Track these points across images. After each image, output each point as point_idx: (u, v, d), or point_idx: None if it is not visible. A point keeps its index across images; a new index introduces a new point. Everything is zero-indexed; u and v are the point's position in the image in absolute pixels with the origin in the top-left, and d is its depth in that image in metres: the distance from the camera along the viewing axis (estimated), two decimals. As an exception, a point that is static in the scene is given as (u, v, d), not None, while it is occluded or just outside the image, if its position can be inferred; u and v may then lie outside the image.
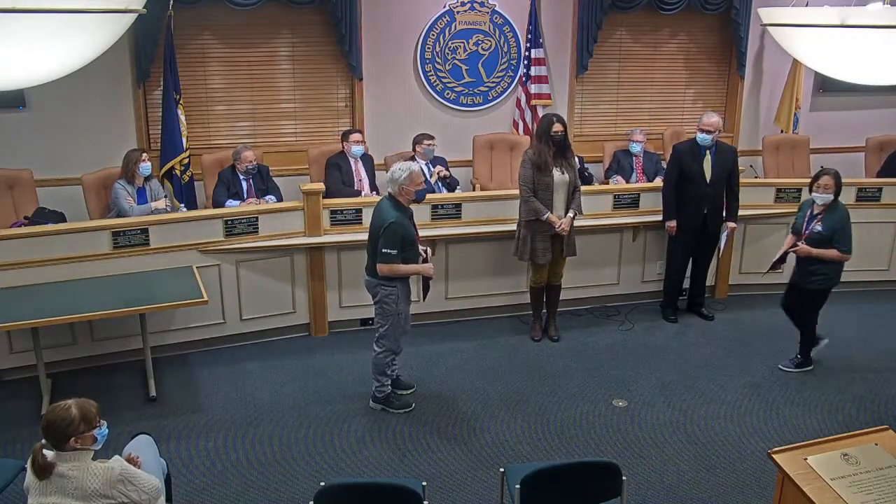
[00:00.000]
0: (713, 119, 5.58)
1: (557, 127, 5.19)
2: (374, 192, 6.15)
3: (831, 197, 4.79)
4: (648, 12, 7.27)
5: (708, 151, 5.61)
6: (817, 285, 4.91)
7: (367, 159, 6.25)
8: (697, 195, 5.66)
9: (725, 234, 5.83)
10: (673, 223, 5.76)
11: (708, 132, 5.54)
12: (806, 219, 4.93)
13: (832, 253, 4.79)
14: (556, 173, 5.23)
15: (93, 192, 5.64)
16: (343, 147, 6.14)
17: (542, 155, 5.19)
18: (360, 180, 6.14)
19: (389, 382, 4.71)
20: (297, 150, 6.71)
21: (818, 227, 4.83)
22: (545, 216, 5.20)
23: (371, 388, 4.71)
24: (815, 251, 4.80)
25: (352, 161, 6.13)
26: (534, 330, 5.65)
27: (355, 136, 6.13)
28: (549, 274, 5.50)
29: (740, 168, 5.88)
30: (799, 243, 4.92)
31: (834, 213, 4.81)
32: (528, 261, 5.43)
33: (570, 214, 5.28)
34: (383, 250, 4.29)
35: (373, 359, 4.64)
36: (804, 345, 5.19)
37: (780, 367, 5.21)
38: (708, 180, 5.62)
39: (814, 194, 4.86)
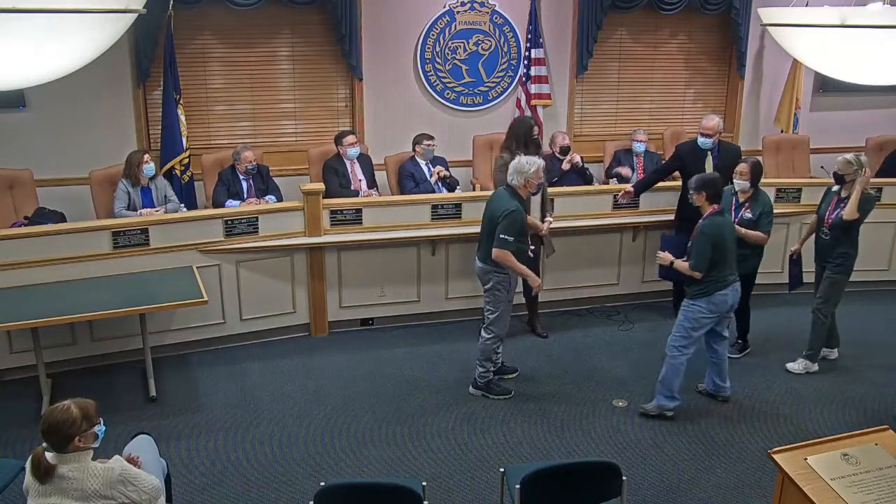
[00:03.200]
0: (712, 122, 5.53)
1: (537, 129, 5.21)
2: (375, 191, 6.14)
3: (748, 184, 4.99)
4: (648, 12, 7.27)
5: (710, 152, 5.59)
6: (743, 269, 5.13)
7: (364, 159, 6.22)
8: None
9: None
10: (628, 188, 5.75)
11: (707, 136, 5.51)
12: (733, 207, 5.11)
13: (758, 235, 5.03)
14: None
15: (99, 189, 5.66)
16: (338, 150, 6.10)
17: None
18: (360, 180, 6.14)
19: (493, 369, 4.86)
20: (297, 150, 6.71)
21: (748, 214, 5.04)
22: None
23: (473, 375, 4.86)
24: (744, 231, 4.99)
25: (347, 163, 6.09)
26: None
27: (350, 139, 6.06)
28: None
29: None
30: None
31: (758, 200, 5.05)
32: None
33: (549, 219, 5.22)
34: (501, 236, 4.43)
35: (480, 345, 4.81)
36: (742, 328, 5.43)
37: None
38: None
39: (735, 181, 5.07)
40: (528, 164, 4.53)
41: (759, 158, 5.24)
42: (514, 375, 5.10)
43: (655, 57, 7.56)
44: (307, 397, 4.83)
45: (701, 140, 5.54)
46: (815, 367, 5.19)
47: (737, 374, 5.13)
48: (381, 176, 6.52)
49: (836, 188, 5.02)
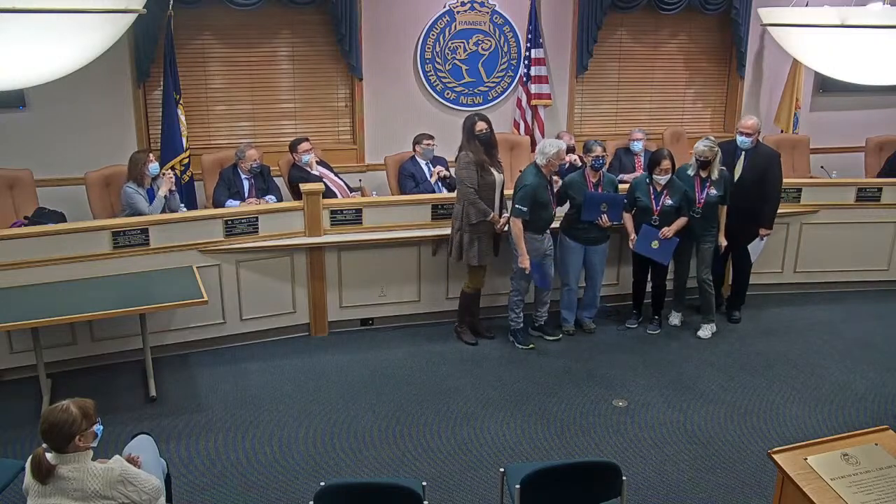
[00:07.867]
0: (751, 121, 5.60)
1: (481, 125, 5.15)
2: (357, 192, 6.12)
3: (669, 176, 5.40)
4: (648, 12, 7.27)
5: (743, 153, 5.58)
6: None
7: (323, 164, 6.10)
8: None
9: (756, 240, 5.81)
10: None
11: (746, 134, 5.55)
12: (651, 196, 5.43)
13: (683, 221, 5.44)
14: (495, 173, 5.20)
15: (96, 191, 5.65)
16: (294, 158, 5.92)
17: (479, 155, 5.12)
18: (333, 183, 6.00)
19: (521, 319, 5.46)
20: (297, 151, 6.70)
21: (669, 202, 5.41)
22: (490, 216, 5.15)
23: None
24: (676, 227, 5.41)
25: (309, 168, 5.89)
26: (466, 334, 5.56)
27: (304, 146, 5.88)
28: None
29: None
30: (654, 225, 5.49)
31: (676, 187, 5.43)
32: (476, 265, 5.28)
33: (507, 215, 5.24)
34: (516, 205, 5.07)
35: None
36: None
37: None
38: (734, 181, 5.58)
39: (655, 176, 5.41)
40: (549, 147, 5.09)
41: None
42: (553, 338, 5.59)
43: (655, 57, 7.56)
44: (307, 397, 4.83)
45: (740, 139, 5.61)
46: (715, 326, 5.72)
47: (737, 374, 5.15)
48: (380, 176, 6.52)
49: (691, 172, 5.45)
